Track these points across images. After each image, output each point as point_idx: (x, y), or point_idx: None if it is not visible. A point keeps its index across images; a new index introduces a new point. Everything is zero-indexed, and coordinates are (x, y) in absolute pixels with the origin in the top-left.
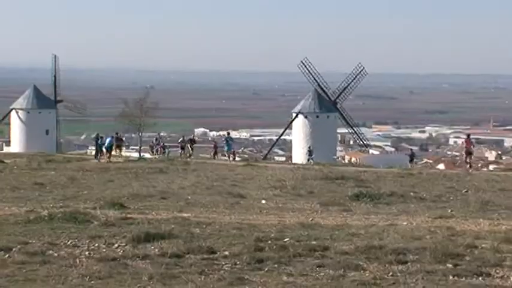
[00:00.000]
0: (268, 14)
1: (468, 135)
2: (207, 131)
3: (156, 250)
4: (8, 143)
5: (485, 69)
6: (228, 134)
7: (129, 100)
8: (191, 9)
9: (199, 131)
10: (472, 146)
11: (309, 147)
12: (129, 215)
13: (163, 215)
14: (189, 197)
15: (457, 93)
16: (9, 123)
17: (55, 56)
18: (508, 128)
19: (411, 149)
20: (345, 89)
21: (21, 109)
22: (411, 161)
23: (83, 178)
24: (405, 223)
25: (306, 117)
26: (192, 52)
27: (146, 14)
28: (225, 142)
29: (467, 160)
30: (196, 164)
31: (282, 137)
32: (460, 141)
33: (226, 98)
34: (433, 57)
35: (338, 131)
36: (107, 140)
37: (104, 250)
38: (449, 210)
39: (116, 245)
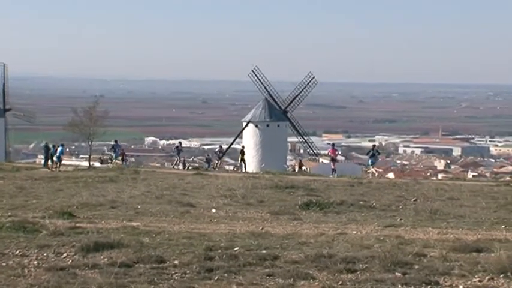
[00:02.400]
0: (219, 23)
1: (333, 144)
2: (157, 139)
3: (105, 259)
4: None
5: (435, 78)
6: (180, 143)
7: (79, 109)
8: (140, 18)
9: (149, 139)
10: (336, 154)
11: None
12: (78, 224)
13: (113, 224)
14: (139, 206)
15: (407, 103)
16: None
17: (4, 64)
18: (456, 137)
19: (374, 145)
20: (295, 98)
21: None
22: (373, 156)
23: (31, 187)
24: (355, 232)
25: (256, 126)
26: (141, 61)
27: (96, 23)
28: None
29: (333, 167)
30: (146, 173)
31: (233, 146)
32: (409, 150)
33: (176, 107)
34: (382, 67)
35: (288, 140)
36: (59, 149)
37: (53, 259)
38: (398, 219)
39: (65, 255)
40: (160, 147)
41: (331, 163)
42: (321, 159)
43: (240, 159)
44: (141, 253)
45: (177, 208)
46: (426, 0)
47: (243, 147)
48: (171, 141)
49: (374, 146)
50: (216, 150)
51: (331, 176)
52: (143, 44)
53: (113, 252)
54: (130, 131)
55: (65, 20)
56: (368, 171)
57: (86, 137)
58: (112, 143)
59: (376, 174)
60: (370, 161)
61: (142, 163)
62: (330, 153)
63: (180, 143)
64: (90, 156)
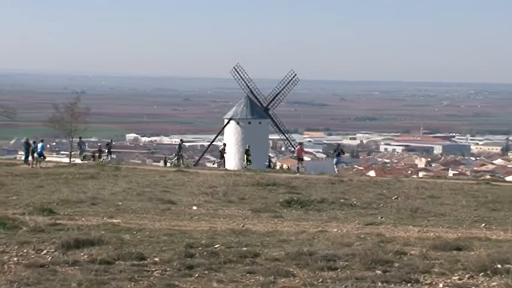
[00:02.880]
0: (201, 20)
1: (300, 144)
2: (139, 136)
3: (86, 256)
4: None
5: (416, 77)
6: (182, 141)
7: (60, 105)
8: (121, 13)
9: (130, 136)
10: (303, 153)
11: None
12: (58, 221)
13: (93, 221)
14: (120, 203)
15: (388, 101)
16: None
17: None
18: (437, 135)
19: (338, 144)
20: (277, 95)
21: None
22: (338, 155)
23: (12, 183)
24: (335, 230)
25: (238, 123)
26: (123, 57)
27: (77, 18)
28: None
29: (298, 166)
30: (127, 170)
31: (214, 143)
32: (390, 148)
33: (158, 104)
34: (364, 65)
35: (270, 137)
36: (39, 145)
37: (33, 256)
38: (379, 217)
39: (45, 251)
40: (141, 144)
41: (297, 162)
42: (306, 157)
43: (245, 159)
44: (122, 250)
45: (158, 205)
46: None
47: (248, 147)
48: (152, 138)
49: (339, 145)
50: (220, 148)
51: (297, 175)
52: (125, 40)
53: (93, 249)
54: (111, 127)
55: (46, 17)
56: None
57: (67, 133)
58: (77, 139)
59: (336, 172)
60: (335, 160)
61: (124, 160)
62: (297, 153)
63: (181, 140)
64: (71, 152)
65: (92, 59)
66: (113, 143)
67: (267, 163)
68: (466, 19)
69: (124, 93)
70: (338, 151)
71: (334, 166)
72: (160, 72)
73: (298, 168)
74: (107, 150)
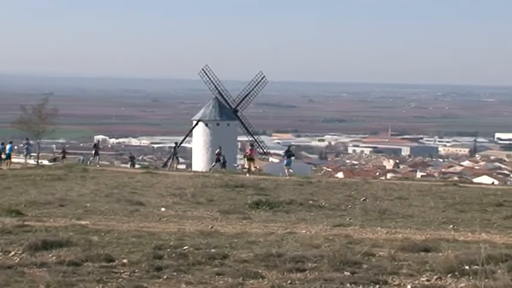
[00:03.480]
0: (169, 21)
1: (252, 145)
2: (107, 138)
3: (54, 258)
4: None
5: (384, 78)
6: (176, 143)
7: (27, 106)
8: (89, 14)
9: (98, 138)
10: (255, 154)
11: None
12: (26, 223)
13: (61, 222)
14: (88, 205)
15: (356, 102)
16: None
17: None
18: (405, 137)
19: (289, 146)
20: (245, 97)
21: None
22: (289, 156)
23: None
24: (304, 231)
25: (206, 124)
26: (91, 59)
27: (46, 19)
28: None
29: (251, 167)
30: (95, 172)
31: (182, 145)
32: (359, 149)
33: (126, 105)
34: (332, 66)
35: (238, 138)
36: (8, 147)
37: (0, 258)
38: (347, 219)
39: (13, 253)
40: (109, 145)
41: (247, 163)
42: (271, 158)
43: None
44: (90, 252)
45: (126, 207)
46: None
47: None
48: (120, 140)
49: (289, 147)
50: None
51: (247, 175)
52: (94, 42)
53: (61, 251)
54: (79, 129)
55: (15, 16)
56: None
57: (34, 135)
58: (25, 141)
59: (288, 175)
60: (285, 161)
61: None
62: (248, 153)
63: (176, 143)
64: (38, 154)
65: (60, 60)
66: (100, 144)
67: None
68: (434, 21)
69: (92, 95)
70: (289, 153)
71: (284, 167)
72: (129, 73)
73: (248, 169)
74: (93, 152)
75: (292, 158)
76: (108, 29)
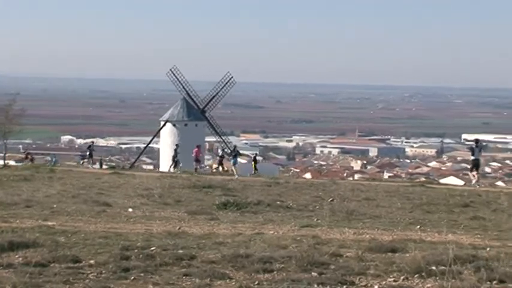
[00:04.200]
0: (137, 21)
1: (198, 146)
2: (74, 138)
3: (20, 259)
4: None
5: (351, 79)
6: (177, 146)
7: None
8: (56, 13)
9: (65, 138)
10: (200, 155)
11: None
12: None
13: (28, 223)
14: (55, 206)
15: (324, 103)
16: None
17: None
18: (372, 138)
19: (235, 146)
20: (213, 97)
21: None
22: (235, 156)
23: None
24: (272, 232)
25: (174, 125)
26: (57, 58)
27: (9, 18)
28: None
29: (196, 167)
30: (62, 172)
31: (150, 145)
32: (326, 150)
33: (93, 106)
34: (300, 67)
35: (206, 139)
36: None
37: None
38: (315, 219)
39: None
40: (76, 146)
41: (194, 163)
42: (239, 159)
43: (253, 166)
44: (57, 253)
45: (93, 207)
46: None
47: (256, 154)
48: (87, 140)
49: (235, 147)
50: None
51: (195, 174)
52: (60, 41)
53: (27, 252)
54: (46, 129)
55: None
56: (232, 171)
57: (1, 136)
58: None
59: (236, 175)
60: (232, 161)
61: (59, 162)
62: (194, 154)
63: (177, 145)
64: (5, 154)
65: (26, 60)
66: (93, 145)
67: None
68: (401, 22)
69: (59, 95)
70: (234, 153)
71: (232, 167)
72: (96, 73)
73: (196, 169)
74: (88, 153)
75: (238, 157)
76: (74, 29)
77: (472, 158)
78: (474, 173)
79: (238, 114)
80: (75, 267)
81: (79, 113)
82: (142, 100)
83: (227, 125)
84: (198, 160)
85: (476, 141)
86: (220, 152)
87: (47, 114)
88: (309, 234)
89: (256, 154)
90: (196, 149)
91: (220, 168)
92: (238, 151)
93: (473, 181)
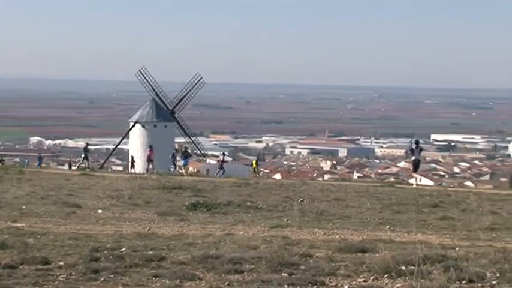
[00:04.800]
0: (106, 21)
1: (150, 146)
2: (43, 139)
3: None
4: None
5: (321, 80)
6: (186, 148)
7: None
8: (25, 13)
9: (34, 139)
10: (153, 156)
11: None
12: None
13: None
14: (24, 207)
15: (293, 104)
16: None
17: None
18: (342, 138)
19: (186, 147)
20: (182, 98)
21: None
22: (186, 157)
23: None
24: (242, 233)
25: (143, 126)
26: (25, 59)
27: None
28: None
29: (148, 167)
30: (31, 173)
31: (119, 147)
32: (296, 151)
33: (62, 107)
34: (269, 68)
35: (176, 140)
36: None
37: None
38: (285, 220)
39: None
40: (45, 147)
41: (147, 163)
42: (208, 160)
43: (254, 170)
44: (26, 254)
45: (63, 209)
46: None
47: (151, 147)
48: (56, 141)
49: (186, 147)
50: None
51: (146, 175)
52: (28, 41)
53: None
54: (14, 130)
55: None
56: (181, 171)
57: None
58: None
59: (185, 174)
60: (183, 162)
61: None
62: (148, 156)
63: (186, 148)
64: None
65: None
66: (89, 147)
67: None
68: (369, 22)
69: (27, 96)
70: (185, 154)
71: (183, 168)
72: (65, 74)
73: (147, 169)
74: (83, 155)
75: (189, 158)
76: (42, 29)
77: (413, 158)
78: (415, 172)
79: (208, 115)
80: (44, 268)
81: (48, 114)
82: (111, 101)
83: (197, 125)
84: (150, 160)
85: (417, 141)
86: (221, 156)
87: (15, 116)
88: (279, 234)
89: (151, 146)
90: (149, 150)
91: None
92: (189, 152)
93: (417, 181)
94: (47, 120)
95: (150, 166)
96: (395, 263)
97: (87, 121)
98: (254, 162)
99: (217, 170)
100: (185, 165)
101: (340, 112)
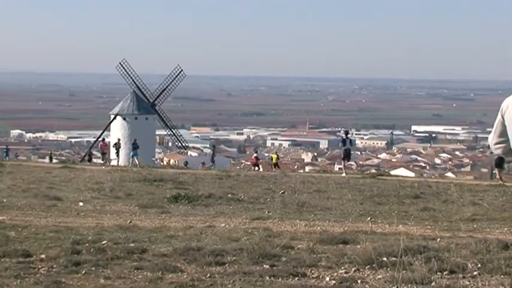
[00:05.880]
0: (86, 14)
1: (103, 140)
2: (24, 132)
3: None
4: None
5: (301, 72)
6: (214, 147)
7: None
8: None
9: (15, 132)
10: (105, 148)
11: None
12: None
13: None
14: (4, 200)
15: (274, 96)
16: None
17: None
18: (323, 130)
19: (135, 139)
20: (163, 90)
21: None
22: (135, 148)
23: None
24: (223, 225)
25: (124, 119)
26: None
27: None
28: None
29: (104, 159)
30: (12, 166)
31: (100, 139)
32: (277, 143)
33: (43, 99)
34: (250, 60)
35: (157, 132)
36: None
37: None
38: (266, 212)
39: None
40: (26, 140)
41: (102, 156)
42: (189, 152)
43: (275, 164)
44: (7, 247)
45: (44, 202)
46: None
47: (135, 140)
48: (37, 134)
49: (135, 140)
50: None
51: (103, 168)
52: (8, 35)
53: None
54: None
55: None
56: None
57: None
58: None
59: (138, 164)
60: (132, 153)
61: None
62: (100, 148)
63: (214, 146)
64: None
65: None
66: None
67: (87, 157)
68: (350, 15)
69: (8, 89)
70: (134, 145)
71: (133, 159)
72: (45, 67)
73: (105, 161)
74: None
75: (137, 149)
76: (22, 23)
77: (344, 148)
78: (345, 162)
79: (188, 107)
80: (26, 261)
81: (28, 107)
82: (92, 94)
83: (178, 118)
84: (104, 153)
85: (346, 132)
86: (255, 153)
87: None
88: (260, 226)
89: (135, 140)
90: (101, 143)
91: (256, 168)
92: (137, 144)
93: (344, 170)
94: (27, 113)
95: (105, 159)
96: (376, 254)
97: (68, 114)
98: (275, 156)
99: (210, 163)
100: (134, 155)
101: (321, 104)
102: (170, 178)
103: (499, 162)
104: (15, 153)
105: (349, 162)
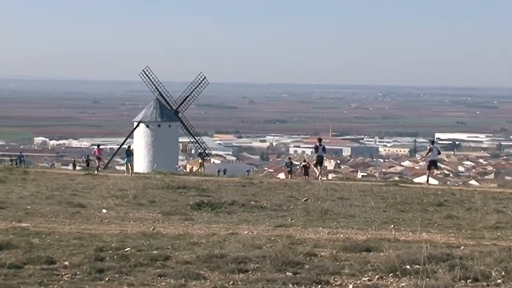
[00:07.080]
0: (109, 22)
1: (98, 146)
2: (47, 140)
3: None
4: None
5: (324, 79)
6: (290, 158)
7: None
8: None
9: (38, 140)
10: (100, 154)
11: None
12: None
13: (2, 225)
14: (28, 207)
15: (297, 103)
16: None
17: None
18: (346, 137)
19: (129, 146)
20: (186, 98)
21: None
22: (128, 155)
23: None
24: (246, 232)
25: (147, 126)
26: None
27: None
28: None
29: (99, 164)
30: (35, 174)
31: (123, 146)
32: (300, 150)
33: (66, 107)
34: (273, 68)
35: (180, 140)
36: None
37: None
38: (289, 219)
39: None
40: (50, 147)
41: (97, 161)
42: (212, 159)
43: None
44: (31, 254)
45: (67, 209)
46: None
47: (129, 146)
48: (60, 142)
49: (129, 147)
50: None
51: (96, 172)
52: (32, 43)
53: (2, 254)
54: (19, 131)
55: None
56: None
57: None
58: None
59: (131, 172)
60: (126, 159)
61: (32, 163)
62: (95, 153)
63: (289, 158)
64: None
65: None
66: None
67: (85, 163)
68: (372, 23)
69: (32, 96)
70: (128, 152)
71: (127, 164)
72: (69, 75)
73: (98, 167)
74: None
75: (131, 156)
76: (47, 31)
77: (316, 154)
78: (318, 168)
79: (211, 115)
80: (49, 268)
81: (52, 115)
82: (115, 101)
83: (201, 125)
84: (99, 158)
85: (319, 140)
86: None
87: (19, 116)
88: (283, 234)
89: (129, 146)
90: (96, 149)
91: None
92: (131, 151)
93: (318, 176)
94: (50, 120)
95: (100, 164)
96: (400, 262)
97: (91, 121)
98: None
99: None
100: (127, 162)
101: (343, 111)
102: (193, 185)
103: None
104: (22, 159)
105: (317, 168)
